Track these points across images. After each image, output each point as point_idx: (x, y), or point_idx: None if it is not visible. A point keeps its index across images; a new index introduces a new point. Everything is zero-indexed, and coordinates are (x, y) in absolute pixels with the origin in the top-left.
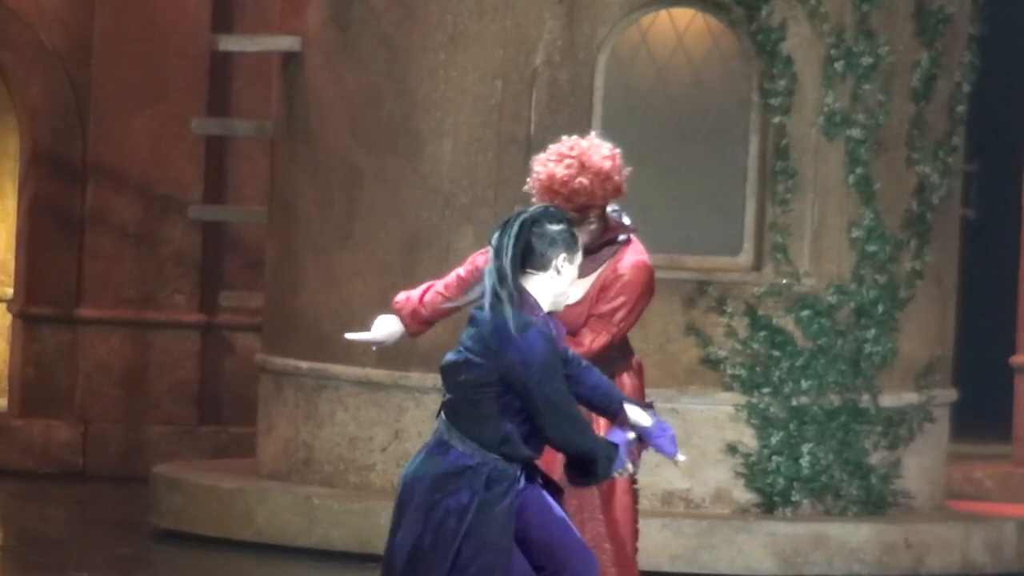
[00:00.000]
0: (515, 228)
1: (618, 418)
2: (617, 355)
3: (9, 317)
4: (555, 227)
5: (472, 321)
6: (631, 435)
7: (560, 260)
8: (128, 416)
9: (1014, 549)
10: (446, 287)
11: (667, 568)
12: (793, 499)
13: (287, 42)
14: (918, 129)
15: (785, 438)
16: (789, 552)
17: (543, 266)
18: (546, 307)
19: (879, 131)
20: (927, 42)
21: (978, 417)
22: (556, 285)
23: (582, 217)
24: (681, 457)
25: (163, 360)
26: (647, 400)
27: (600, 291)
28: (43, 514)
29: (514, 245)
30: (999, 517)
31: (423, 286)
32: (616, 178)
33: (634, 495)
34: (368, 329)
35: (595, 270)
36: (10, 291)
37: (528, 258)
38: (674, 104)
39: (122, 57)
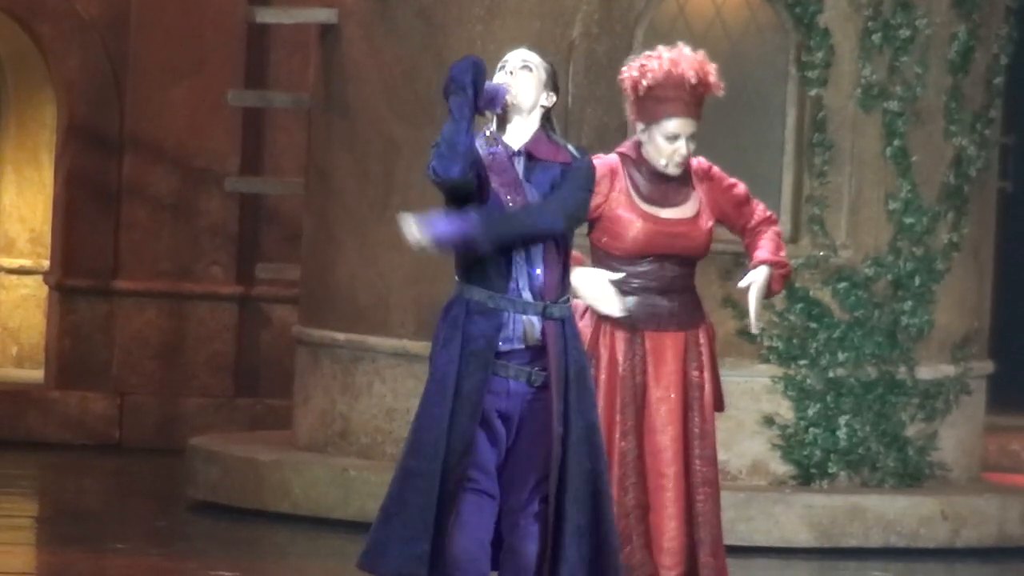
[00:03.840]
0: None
1: None
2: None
3: (46, 289)
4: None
5: None
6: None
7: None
8: (164, 388)
9: None
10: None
11: None
12: (830, 471)
13: (324, 14)
14: (955, 101)
15: (822, 410)
16: (826, 524)
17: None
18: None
19: (916, 103)
20: (965, 14)
21: (1015, 389)
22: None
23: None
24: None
25: (200, 332)
26: None
27: (733, 206)
28: (79, 486)
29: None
30: None
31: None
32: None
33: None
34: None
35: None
36: (47, 263)
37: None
38: None
39: (159, 29)
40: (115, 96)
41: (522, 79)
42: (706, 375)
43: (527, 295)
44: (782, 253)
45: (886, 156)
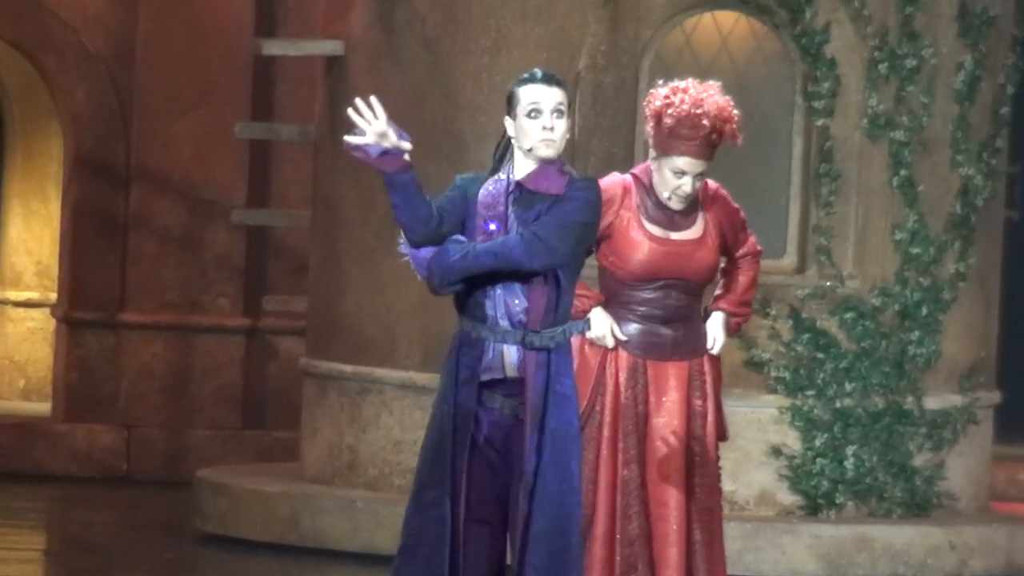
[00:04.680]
0: None
1: None
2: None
3: (53, 322)
4: None
5: None
6: None
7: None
8: (172, 420)
9: None
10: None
11: None
12: (837, 501)
13: (331, 46)
14: (962, 131)
15: (829, 440)
16: (833, 554)
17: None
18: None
19: (923, 133)
20: (971, 44)
21: (1022, 419)
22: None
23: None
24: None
25: (207, 364)
26: None
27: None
28: (87, 519)
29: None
30: None
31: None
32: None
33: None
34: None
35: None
36: (54, 296)
37: None
38: None
39: (165, 61)
40: (121, 128)
41: (559, 128)
42: (709, 404)
43: (504, 323)
44: (750, 294)
45: (893, 186)
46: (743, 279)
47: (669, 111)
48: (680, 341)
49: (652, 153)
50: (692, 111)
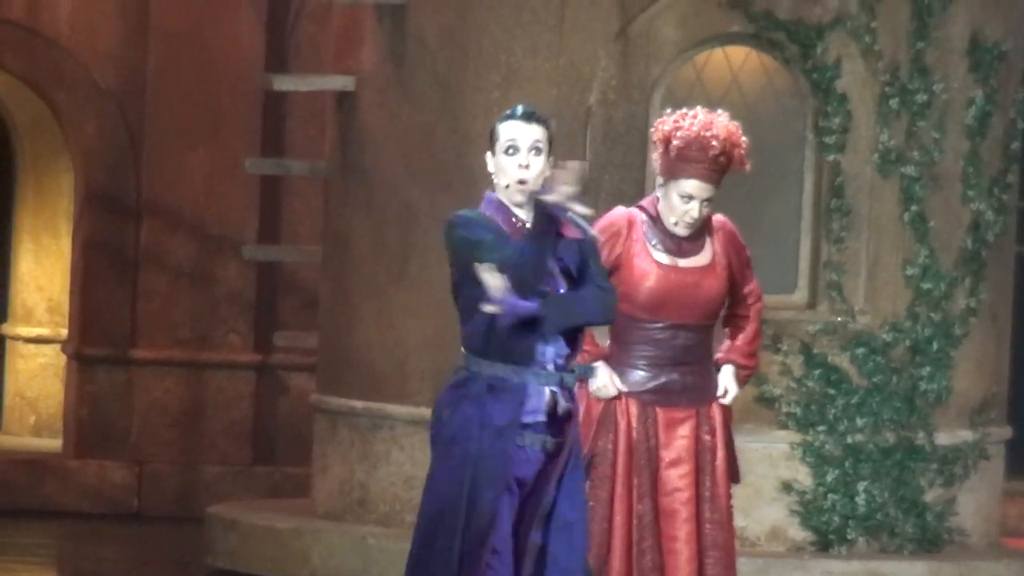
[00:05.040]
0: None
1: None
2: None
3: (64, 358)
4: None
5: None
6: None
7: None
8: (183, 456)
9: None
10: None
11: None
12: (848, 537)
13: (341, 81)
14: (973, 166)
15: (840, 476)
16: None
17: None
18: None
19: (934, 168)
20: (982, 79)
21: None
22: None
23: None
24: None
25: (218, 400)
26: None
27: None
28: (98, 555)
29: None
30: None
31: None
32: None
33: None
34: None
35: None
36: (65, 332)
37: None
38: None
39: (176, 96)
40: (132, 164)
41: (535, 165)
42: (718, 440)
43: (551, 368)
44: (756, 344)
45: (904, 221)
46: (750, 329)
47: (678, 134)
48: (689, 386)
49: (659, 180)
50: (701, 133)
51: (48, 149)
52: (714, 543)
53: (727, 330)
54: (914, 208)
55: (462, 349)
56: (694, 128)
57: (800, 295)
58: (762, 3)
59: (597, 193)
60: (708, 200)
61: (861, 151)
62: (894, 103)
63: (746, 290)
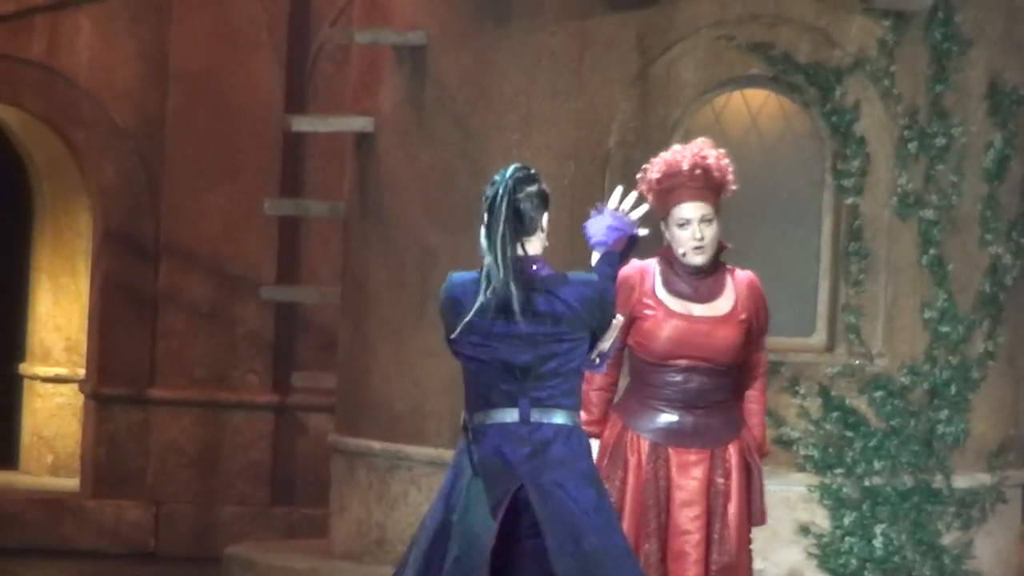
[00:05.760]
0: (504, 200)
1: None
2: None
3: (81, 397)
4: (534, 187)
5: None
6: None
7: (544, 219)
8: (200, 496)
9: None
10: (590, 410)
11: None
12: None
13: (360, 123)
14: (991, 210)
15: (858, 519)
16: None
17: (533, 230)
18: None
19: (952, 212)
20: (1000, 123)
21: None
22: (542, 244)
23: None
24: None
25: (236, 440)
26: None
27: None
28: None
29: (507, 217)
30: None
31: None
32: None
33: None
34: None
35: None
36: (82, 371)
37: (520, 226)
38: (747, 184)
39: (194, 136)
40: (150, 203)
41: None
42: (732, 484)
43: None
44: (764, 429)
45: (922, 264)
46: (756, 420)
47: (655, 171)
48: (702, 429)
49: (663, 226)
50: (675, 158)
51: (66, 188)
52: None
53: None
54: (932, 251)
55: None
56: (666, 158)
57: (818, 338)
58: (781, 46)
59: None
60: (707, 220)
61: (879, 194)
62: (913, 146)
63: (756, 358)
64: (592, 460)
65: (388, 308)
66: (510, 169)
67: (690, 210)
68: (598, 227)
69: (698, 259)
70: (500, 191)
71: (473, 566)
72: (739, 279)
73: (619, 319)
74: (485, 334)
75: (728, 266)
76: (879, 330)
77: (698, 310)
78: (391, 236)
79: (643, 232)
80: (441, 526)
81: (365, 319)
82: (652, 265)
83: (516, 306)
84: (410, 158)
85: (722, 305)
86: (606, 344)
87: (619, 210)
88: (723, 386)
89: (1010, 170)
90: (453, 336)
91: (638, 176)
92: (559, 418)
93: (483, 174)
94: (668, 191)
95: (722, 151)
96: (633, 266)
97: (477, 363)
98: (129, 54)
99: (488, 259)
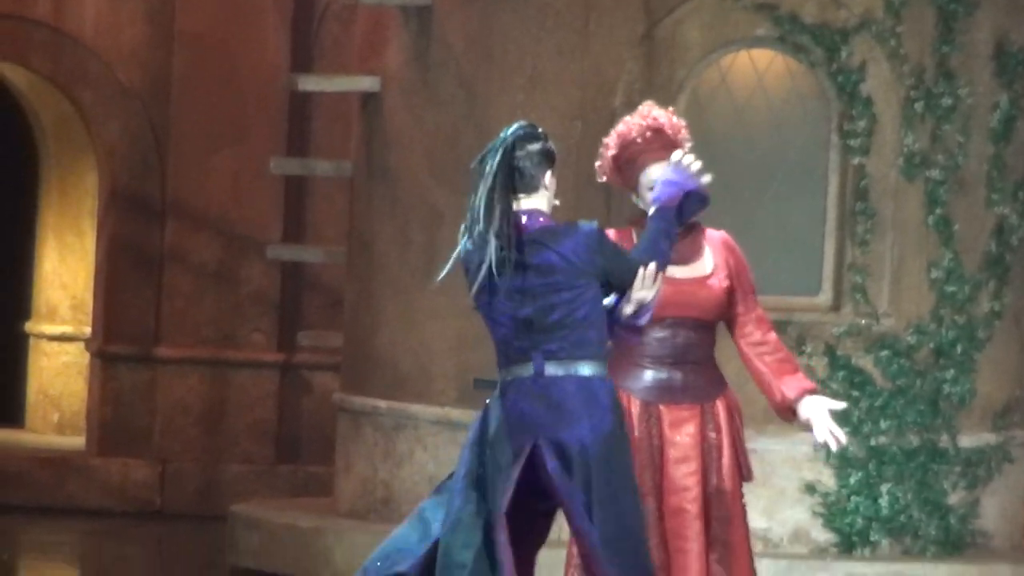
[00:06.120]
0: (498, 156)
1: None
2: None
3: (87, 356)
4: (536, 145)
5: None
6: None
7: (547, 177)
8: (206, 455)
9: None
10: None
11: None
12: (872, 539)
13: (366, 82)
14: (997, 170)
15: (864, 478)
16: None
17: (534, 187)
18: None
19: (958, 172)
20: (1007, 83)
21: None
22: (549, 202)
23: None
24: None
25: (241, 399)
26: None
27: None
28: (121, 553)
29: (498, 173)
30: None
31: None
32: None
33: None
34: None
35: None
36: (88, 330)
37: (519, 183)
38: (753, 145)
39: (201, 97)
40: (157, 163)
41: None
42: (724, 438)
43: None
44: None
45: (928, 224)
46: (795, 365)
47: (612, 148)
48: (691, 385)
49: (633, 197)
50: (626, 128)
51: (73, 148)
52: (719, 540)
53: (769, 368)
54: (938, 211)
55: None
56: (618, 131)
57: (824, 298)
58: (787, 7)
59: (621, 196)
60: None
61: (886, 154)
62: (919, 107)
63: (758, 315)
64: (615, 413)
65: (394, 267)
66: (514, 126)
67: (656, 171)
68: (657, 183)
69: None
70: (496, 146)
71: (492, 519)
72: (713, 238)
73: (652, 268)
74: (492, 291)
75: (701, 225)
76: (885, 290)
77: (679, 272)
78: (397, 195)
79: (706, 181)
80: (465, 475)
81: (371, 278)
82: (630, 235)
83: (493, 258)
84: (416, 118)
85: (702, 266)
86: (645, 294)
87: (679, 165)
88: (709, 342)
89: (1016, 130)
90: (471, 296)
91: (597, 164)
92: (579, 369)
93: (488, 134)
94: (630, 162)
95: (671, 109)
96: (611, 233)
97: (491, 320)
98: (135, 14)
99: (472, 210)
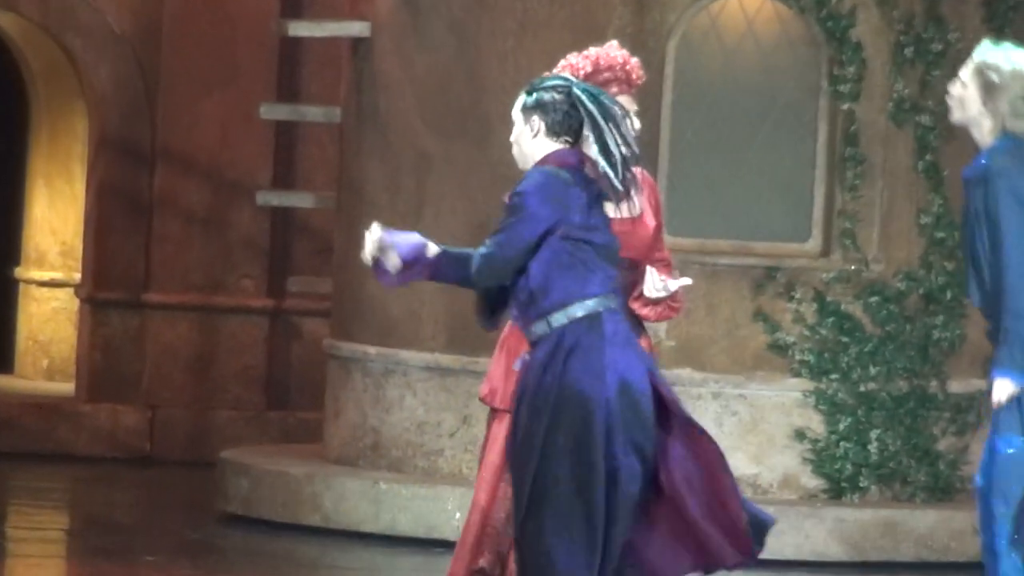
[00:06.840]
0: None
1: None
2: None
3: (77, 302)
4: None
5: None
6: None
7: None
8: (195, 401)
9: None
10: None
11: None
12: (861, 485)
13: (357, 27)
14: None
15: (853, 424)
16: (857, 538)
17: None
18: None
19: (948, 118)
20: (997, 29)
21: None
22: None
23: None
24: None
25: (231, 345)
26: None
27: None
28: (110, 499)
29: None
30: None
31: None
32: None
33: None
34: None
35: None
36: (78, 276)
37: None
38: (743, 90)
39: (191, 42)
40: (147, 109)
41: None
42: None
43: None
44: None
45: (918, 170)
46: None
47: (582, 71)
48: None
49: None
50: (587, 61)
51: (63, 94)
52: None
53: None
54: (928, 157)
55: None
56: (590, 60)
57: (814, 243)
58: None
59: None
60: (637, 115)
61: (875, 100)
62: (909, 52)
63: (664, 256)
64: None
65: (384, 213)
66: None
67: (627, 103)
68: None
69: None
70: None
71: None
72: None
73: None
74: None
75: None
76: (875, 236)
77: (614, 212)
78: (387, 141)
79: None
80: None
81: (361, 224)
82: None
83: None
84: (406, 63)
85: (634, 205)
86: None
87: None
88: (633, 283)
89: None
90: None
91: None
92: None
93: (478, 80)
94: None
95: (626, 52)
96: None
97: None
98: None
99: (617, 150)
